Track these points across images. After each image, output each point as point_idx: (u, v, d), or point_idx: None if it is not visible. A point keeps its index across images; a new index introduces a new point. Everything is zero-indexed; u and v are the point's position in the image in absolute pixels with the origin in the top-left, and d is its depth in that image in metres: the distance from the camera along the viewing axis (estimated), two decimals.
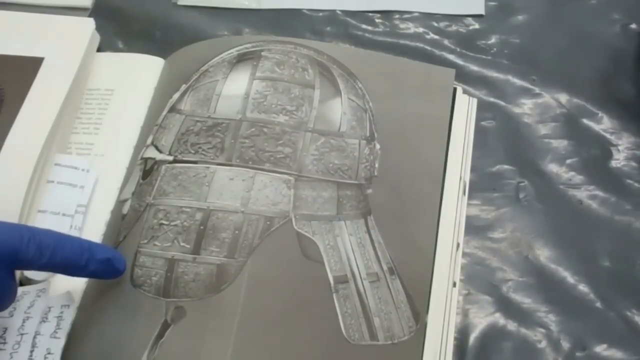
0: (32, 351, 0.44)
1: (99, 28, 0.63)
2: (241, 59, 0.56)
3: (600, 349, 0.49)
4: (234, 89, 0.54)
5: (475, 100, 0.58)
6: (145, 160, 0.54)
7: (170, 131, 0.54)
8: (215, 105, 0.54)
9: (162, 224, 0.49)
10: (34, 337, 0.45)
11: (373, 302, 0.47)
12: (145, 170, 0.53)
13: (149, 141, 0.55)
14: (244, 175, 0.50)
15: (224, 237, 0.48)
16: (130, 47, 0.67)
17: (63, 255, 0.43)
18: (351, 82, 0.56)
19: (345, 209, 0.50)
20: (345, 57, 0.58)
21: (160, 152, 0.53)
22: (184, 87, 0.56)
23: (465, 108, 0.57)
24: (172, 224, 0.49)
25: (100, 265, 0.45)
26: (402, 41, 0.67)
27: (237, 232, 0.48)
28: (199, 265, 0.47)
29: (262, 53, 0.56)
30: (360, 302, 0.47)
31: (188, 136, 0.53)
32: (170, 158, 0.52)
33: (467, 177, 0.54)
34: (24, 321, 0.45)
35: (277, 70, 0.55)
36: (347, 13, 0.69)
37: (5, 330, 0.45)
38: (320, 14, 0.69)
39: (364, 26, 0.68)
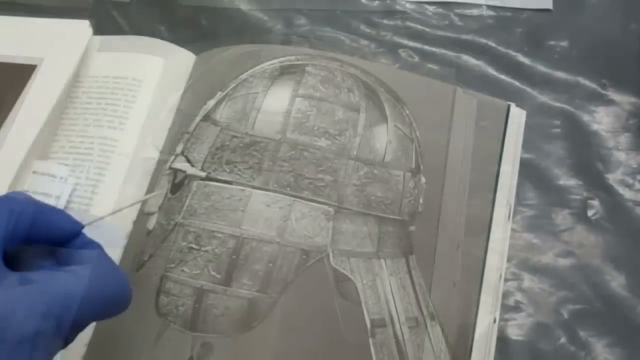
0: None
1: (141, 13, 0.59)
2: (283, 72, 0.53)
3: None
4: (275, 106, 0.51)
5: (524, 113, 0.55)
6: (175, 171, 0.51)
7: (204, 143, 0.51)
8: (254, 122, 0.51)
9: (191, 248, 0.47)
10: None
11: (411, 350, 0.45)
12: (174, 184, 0.50)
13: (178, 149, 0.52)
14: (282, 203, 0.47)
15: (257, 270, 0.46)
16: (174, 34, 0.63)
17: None
18: (398, 107, 0.52)
19: (386, 246, 0.48)
20: (394, 79, 0.54)
21: (192, 165, 0.50)
22: (219, 94, 0.53)
23: (516, 124, 0.54)
24: (203, 249, 0.46)
25: None
26: (463, 36, 0.63)
27: (270, 264, 0.46)
28: (229, 298, 0.45)
29: (307, 68, 0.53)
30: (398, 348, 0.45)
31: (223, 152, 0.50)
32: (203, 174, 0.49)
33: (513, 201, 0.51)
34: None
35: (321, 89, 0.52)
36: (405, 4, 0.65)
37: None
38: (376, 3, 0.65)
39: (423, 19, 0.64)
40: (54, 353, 0.35)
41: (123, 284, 0.37)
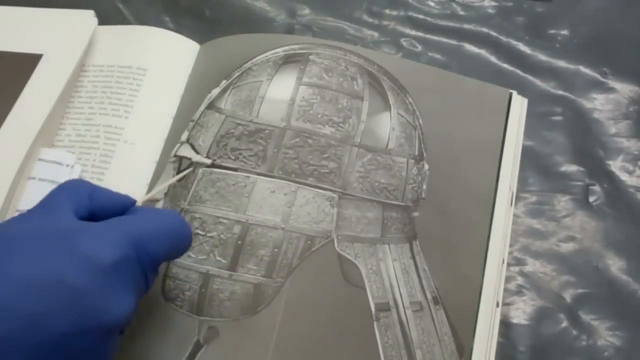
0: None
1: (145, 3, 0.59)
2: (287, 60, 0.54)
3: None
4: (279, 93, 0.52)
5: (525, 101, 0.55)
6: (180, 158, 0.51)
7: (209, 131, 0.51)
8: (259, 109, 0.51)
9: (197, 233, 0.47)
10: None
11: (415, 333, 0.45)
12: (180, 171, 0.51)
13: (183, 137, 0.52)
14: (286, 189, 0.48)
15: (263, 255, 0.46)
16: (178, 25, 0.63)
17: None
18: (401, 96, 0.53)
19: (390, 232, 0.48)
20: (396, 68, 0.55)
21: (197, 152, 0.50)
22: (224, 82, 0.54)
23: (517, 112, 0.54)
24: (209, 235, 0.47)
25: None
26: (466, 26, 0.63)
27: (276, 250, 0.46)
28: (235, 283, 0.45)
29: (310, 57, 0.54)
30: (402, 332, 0.45)
31: (228, 139, 0.50)
32: (209, 161, 0.50)
33: (515, 187, 0.52)
34: None
35: (324, 77, 0.52)
36: None
37: None
38: None
39: (425, 8, 0.65)
40: (140, 291, 0.37)
41: (183, 222, 0.39)
